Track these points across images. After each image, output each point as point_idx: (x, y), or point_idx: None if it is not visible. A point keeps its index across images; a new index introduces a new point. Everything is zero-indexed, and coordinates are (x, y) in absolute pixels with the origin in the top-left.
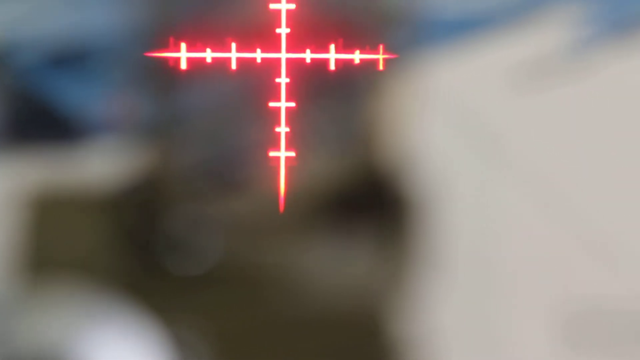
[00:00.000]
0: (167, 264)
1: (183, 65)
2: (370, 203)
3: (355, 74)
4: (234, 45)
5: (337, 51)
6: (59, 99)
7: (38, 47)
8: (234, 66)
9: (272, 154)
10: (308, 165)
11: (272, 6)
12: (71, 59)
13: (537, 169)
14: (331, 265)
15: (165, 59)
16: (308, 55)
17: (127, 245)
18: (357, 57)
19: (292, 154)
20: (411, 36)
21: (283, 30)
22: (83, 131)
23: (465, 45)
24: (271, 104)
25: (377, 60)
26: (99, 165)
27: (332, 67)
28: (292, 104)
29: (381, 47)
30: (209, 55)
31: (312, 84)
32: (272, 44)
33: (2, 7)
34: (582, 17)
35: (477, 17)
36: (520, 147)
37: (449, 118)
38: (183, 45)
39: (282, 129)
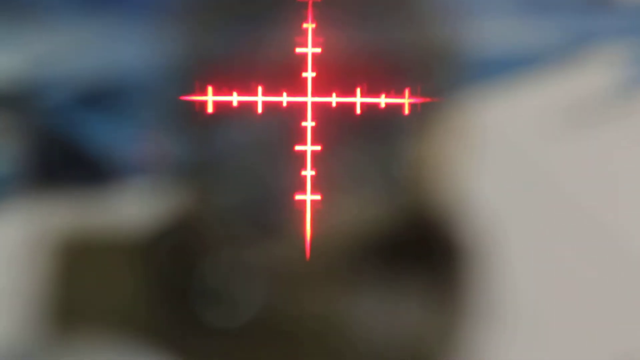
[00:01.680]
0: (203, 314)
1: (210, 109)
2: (417, 250)
3: (385, 117)
4: (260, 89)
5: (362, 95)
6: (88, 140)
7: (68, 86)
8: (260, 110)
9: (298, 197)
10: (344, 210)
11: (299, 50)
12: (102, 98)
13: (590, 211)
14: (376, 318)
15: (194, 102)
16: (334, 99)
17: (160, 294)
18: (382, 100)
19: (318, 197)
20: (456, 76)
21: (309, 74)
22: (113, 173)
23: (511, 85)
24: (297, 148)
25: (402, 104)
26: (130, 209)
27: (358, 110)
28: (318, 147)
29: (407, 91)
30: (235, 98)
31: (338, 127)
32: (298, 87)
33: (31, 44)
34: (629, 56)
35: (524, 56)
36: (570, 188)
37: (497, 158)
38: (210, 89)
39: (308, 172)
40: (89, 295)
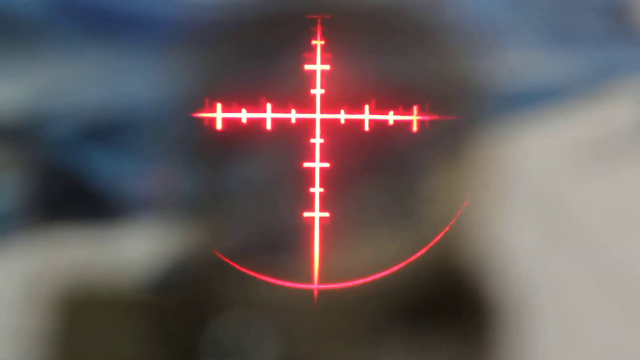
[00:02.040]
0: None
1: (219, 126)
2: (434, 276)
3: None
4: (269, 106)
5: (371, 112)
6: (94, 175)
7: (72, 118)
8: (269, 126)
9: (306, 214)
10: (347, 229)
11: (307, 67)
12: (107, 131)
13: (623, 256)
14: None
15: (203, 119)
16: (342, 116)
17: (167, 352)
18: (391, 117)
19: (327, 214)
20: (469, 95)
21: (318, 91)
22: (120, 210)
23: (535, 117)
24: (306, 164)
25: (411, 121)
26: (137, 248)
27: (367, 127)
28: (327, 164)
29: (415, 108)
30: (244, 115)
31: (347, 144)
32: (306, 104)
33: (34, 76)
34: None
35: (548, 88)
36: (600, 227)
37: (520, 194)
38: (219, 106)
39: (317, 190)
40: (87, 353)
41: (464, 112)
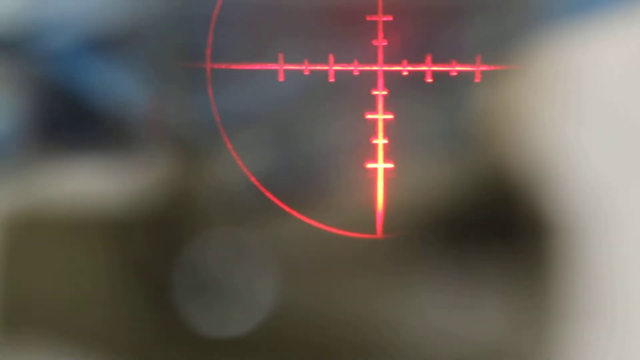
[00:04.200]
0: (195, 319)
1: (281, 77)
2: (500, 227)
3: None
4: (331, 58)
5: (433, 63)
6: (94, 92)
7: (69, 28)
8: (331, 78)
9: (369, 165)
10: (412, 180)
11: (369, 18)
12: (110, 42)
13: None
14: (447, 313)
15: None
16: (405, 67)
17: (136, 287)
18: (453, 68)
19: (390, 165)
20: (526, 40)
21: (380, 42)
22: (124, 131)
23: (597, 28)
24: (368, 116)
25: (474, 71)
26: (140, 177)
27: (429, 78)
28: (390, 116)
29: (478, 58)
30: (306, 67)
31: (409, 95)
32: (369, 56)
33: None
34: None
35: None
36: None
37: (593, 115)
38: (281, 57)
39: (380, 141)
40: (43, 286)
41: (526, 60)
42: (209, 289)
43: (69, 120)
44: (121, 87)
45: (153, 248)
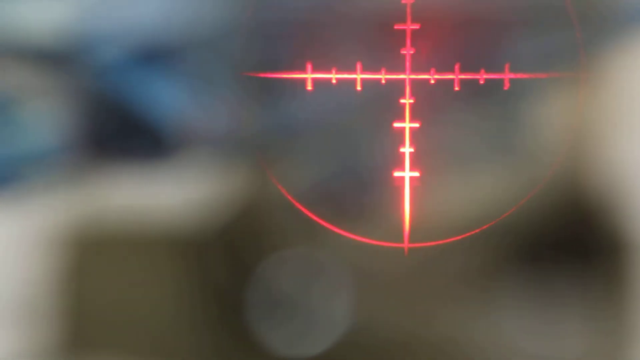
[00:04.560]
0: (266, 339)
1: (309, 86)
2: (534, 235)
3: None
4: (359, 66)
5: (461, 71)
6: (144, 104)
7: (119, 41)
8: (359, 87)
9: (396, 174)
10: (437, 189)
11: (397, 26)
12: (160, 55)
13: None
14: (516, 337)
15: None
16: (432, 76)
17: (210, 308)
18: (482, 76)
19: (417, 174)
20: (556, 48)
21: (407, 51)
22: (173, 143)
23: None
24: (396, 124)
25: (502, 79)
26: (185, 189)
27: (457, 87)
28: (417, 124)
29: (507, 66)
30: (334, 76)
31: (437, 103)
32: (396, 64)
33: None
34: None
35: None
36: None
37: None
38: (309, 66)
39: (407, 149)
40: (116, 306)
41: (557, 68)
42: (274, 309)
43: (122, 132)
44: (168, 97)
45: (223, 265)
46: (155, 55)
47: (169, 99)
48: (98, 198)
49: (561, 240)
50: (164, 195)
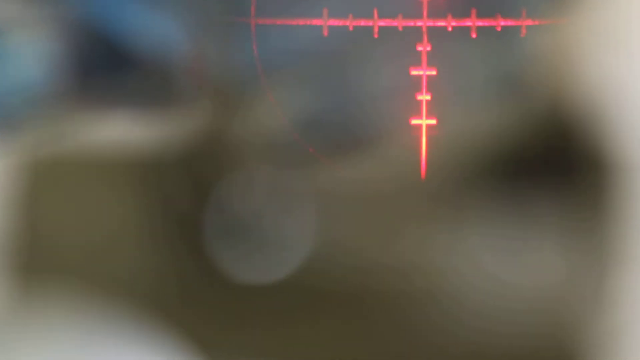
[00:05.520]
0: (228, 265)
1: (325, 32)
2: (552, 166)
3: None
4: (375, 12)
5: (478, 17)
6: (137, 38)
7: None
8: (375, 33)
9: (413, 121)
10: (455, 135)
11: None
12: None
13: None
14: (498, 257)
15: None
16: (449, 22)
17: (167, 229)
18: (499, 23)
19: (434, 121)
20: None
21: None
22: (166, 81)
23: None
24: (413, 71)
25: (519, 26)
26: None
27: (474, 34)
28: (433, 72)
29: (523, 12)
30: (351, 22)
31: (454, 50)
32: (413, 10)
33: None
34: None
35: None
36: None
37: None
38: (325, 12)
39: (424, 97)
40: (68, 229)
41: (572, 14)
42: (241, 233)
43: (107, 65)
44: (162, 34)
45: (184, 189)
46: None
47: (163, 34)
48: (81, 129)
49: (542, 161)
50: (154, 127)
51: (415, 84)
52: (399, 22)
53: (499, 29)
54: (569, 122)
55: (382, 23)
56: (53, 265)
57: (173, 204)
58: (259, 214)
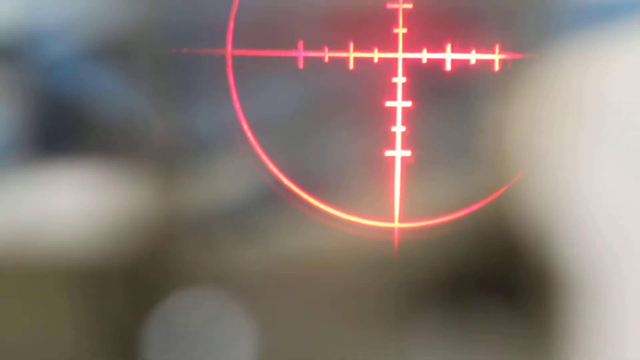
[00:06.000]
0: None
1: (301, 65)
2: (497, 282)
3: (475, 73)
4: (352, 45)
5: (453, 51)
6: (94, 102)
7: (68, 35)
8: (351, 65)
9: (387, 153)
10: (429, 168)
11: (390, 5)
12: (113, 50)
13: None
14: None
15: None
16: (424, 55)
17: (105, 343)
18: (473, 57)
19: (408, 153)
20: (550, 29)
21: (400, 30)
22: (126, 143)
23: (610, 36)
24: (387, 104)
25: (493, 60)
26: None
27: (448, 67)
28: (409, 103)
29: (497, 47)
30: (326, 54)
31: (429, 83)
32: (389, 43)
33: None
34: None
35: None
36: None
37: (604, 130)
38: (301, 45)
39: (398, 129)
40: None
41: (546, 49)
42: (181, 349)
43: (67, 127)
44: (124, 91)
45: (125, 301)
46: (103, 51)
47: (117, 95)
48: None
49: (488, 277)
50: (116, 190)
51: (390, 116)
52: (375, 55)
53: (473, 62)
54: (515, 241)
55: (357, 55)
56: None
57: (112, 316)
58: (201, 329)
